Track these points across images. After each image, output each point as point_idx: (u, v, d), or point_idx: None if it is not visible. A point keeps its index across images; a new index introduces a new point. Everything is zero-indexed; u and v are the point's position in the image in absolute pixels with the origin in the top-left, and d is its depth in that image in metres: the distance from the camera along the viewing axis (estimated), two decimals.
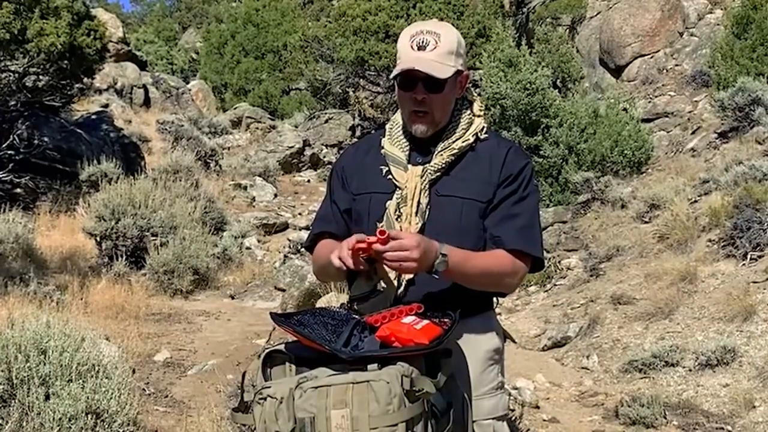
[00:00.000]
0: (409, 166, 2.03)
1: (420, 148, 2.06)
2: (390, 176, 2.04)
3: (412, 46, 1.98)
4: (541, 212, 2.28)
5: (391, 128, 2.12)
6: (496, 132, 2.21)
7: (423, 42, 1.98)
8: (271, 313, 1.91)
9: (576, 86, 16.00)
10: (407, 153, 2.06)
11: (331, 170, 2.29)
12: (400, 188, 2.02)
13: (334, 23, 17.42)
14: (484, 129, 2.10)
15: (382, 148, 2.10)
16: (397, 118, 2.12)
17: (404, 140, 2.07)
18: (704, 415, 4.87)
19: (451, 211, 2.01)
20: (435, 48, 1.97)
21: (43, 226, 9.48)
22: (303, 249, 2.02)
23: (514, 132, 11.70)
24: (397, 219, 2.00)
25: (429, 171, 2.02)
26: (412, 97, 1.99)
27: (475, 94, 2.17)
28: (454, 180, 2.03)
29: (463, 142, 2.05)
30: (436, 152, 2.04)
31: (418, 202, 2.00)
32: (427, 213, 2.00)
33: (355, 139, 14.56)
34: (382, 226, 2.00)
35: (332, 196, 2.18)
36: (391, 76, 2.02)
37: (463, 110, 2.09)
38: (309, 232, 2.27)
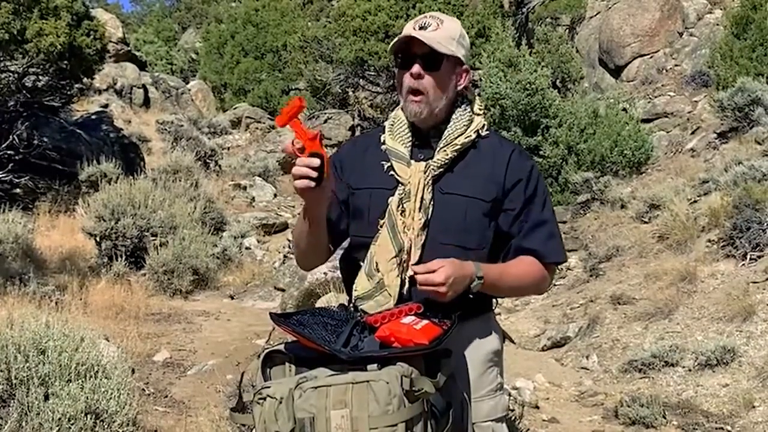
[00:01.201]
0: (412, 161, 2.03)
1: (422, 145, 2.06)
2: (392, 172, 2.03)
3: (414, 27, 2.01)
4: None
5: (392, 124, 2.11)
6: (496, 131, 2.21)
7: (425, 23, 2.01)
8: (270, 313, 1.90)
9: (576, 86, 16.02)
10: (409, 149, 2.06)
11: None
12: (402, 184, 2.01)
13: (333, 23, 17.43)
14: (485, 127, 2.10)
15: (383, 144, 2.09)
16: (398, 114, 2.11)
17: (406, 136, 2.07)
18: (704, 415, 4.87)
19: (455, 210, 2.01)
20: (437, 29, 2.00)
21: (43, 226, 9.48)
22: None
23: (514, 132, 11.70)
24: (400, 214, 1.99)
25: (432, 167, 2.01)
26: (408, 75, 2.00)
27: (475, 93, 2.17)
28: (458, 177, 2.02)
29: (466, 138, 2.04)
30: (438, 148, 2.03)
31: (422, 198, 1.99)
32: (431, 209, 2.00)
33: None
34: (383, 223, 2.00)
35: None
36: (389, 47, 2.04)
37: (464, 108, 2.09)
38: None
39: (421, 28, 2.00)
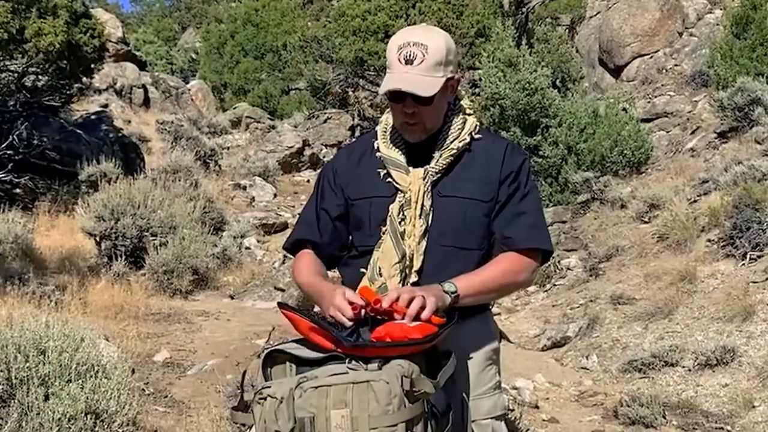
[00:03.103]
0: (410, 168, 2.04)
1: (417, 151, 2.07)
2: (390, 179, 2.04)
3: (399, 60, 1.98)
4: None
5: (384, 131, 2.12)
6: (489, 130, 2.22)
7: (410, 55, 1.97)
8: (279, 303, 1.91)
9: (575, 86, 16.01)
10: (405, 156, 2.06)
11: (320, 173, 2.26)
12: (402, 191, 2.02)
13: (333, 23, 17.43)
14: (477, 128, 2.11)
15: (378, 151, 2.10)
16: (390, 120, 2.12)
17: (400, 143, 2.08)
18: (704, 415, 4.87)
19: (455, 212, 2.02)
20: (422, 62, 1.96)
21: (43, 226, 9.47)
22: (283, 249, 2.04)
23: (513, 132, 11.70)
24: (400, 222, 2.00)
25: (430, 172, 2.02)
26: (402, 110, 2.00)
27: (463, 92, 2.17)
28: (455, 180, 2.04)
29: (460, 142, 2.06)
30: (434, 153, 2.04)
31: (422, 205, 2.00)
32: (431, 215, 2.01)
33: (353, 139, 14.59)
34: (385, 230, 2.00)
35: (322, 201, 2.16)
36: (380, 93, 2.02)
37: (456, 110, 2.10)
38: (291, 232, 2.25)
39: (406, 62, 1.96)
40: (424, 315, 1.78)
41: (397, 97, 1.98)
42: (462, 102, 2.13)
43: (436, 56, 1.97)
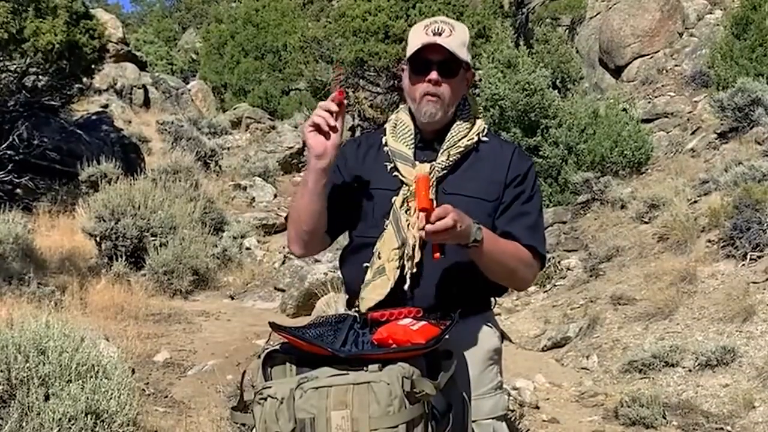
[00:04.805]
0: (417, 162, 2.05)
1: (424, 147, 2.08)
2: (396, 172, 2.05)
3: (427, 33, 2.01)
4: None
5: (394, 126, 2.13)
6: (495, 134, 2.24)
7: (439, 29, 2.01)
8: (270, 323, 1.89)
9: (575, 86, 16.00)
10: (412, 151, 2.08)
11: None
12: (407, 184, 2.03)
13: (333, 24, 17.42)
14: (485, 130, 2.13)
15: (385, 146, 2.11)
16: (400, 116, 2.13)
17: (409, 138, 2.09)
18: (704, 416, 4.87)
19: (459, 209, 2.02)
20: (450, 35, 2.00)
21: (43, 226, 9.47)
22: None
23: (513, 133, 11.69)
24: (404, 212, 2.01)
25: (437, 168, 2.04)
26: (426, 80, 2.01)
27: (474, 96, 2.19)
28: (460, 179, 2.05)
29: (468, 140, 2.08)
30: (441, 150, 2.06)
31: None
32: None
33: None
34: (388, 222, 2.01)
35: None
36: (408, 54, 2.03)
37: (466, 111, 2.12)
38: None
39: (435, 33, 2.00)
40: (434, 235, 1.81)
41: (421, 67, 2.00)
42: (474, 105, 2.15)
43: (462, 37, 2.03)
